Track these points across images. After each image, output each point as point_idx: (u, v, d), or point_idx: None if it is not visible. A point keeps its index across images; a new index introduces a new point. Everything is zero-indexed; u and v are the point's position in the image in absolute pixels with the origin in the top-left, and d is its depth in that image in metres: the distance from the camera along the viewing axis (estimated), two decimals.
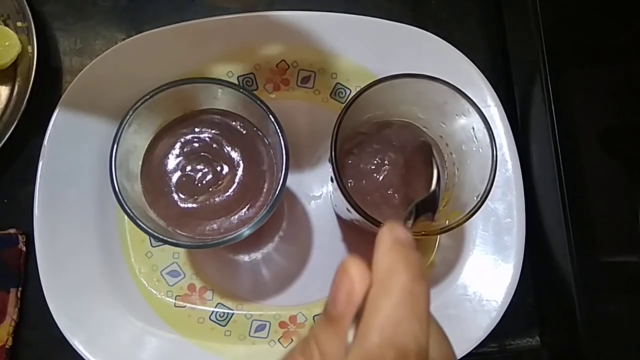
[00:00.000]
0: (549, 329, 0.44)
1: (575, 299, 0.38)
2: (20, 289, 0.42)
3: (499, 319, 0.40)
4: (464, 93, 0.32)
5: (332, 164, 0.32)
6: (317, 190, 0.43)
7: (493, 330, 0.40)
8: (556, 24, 0.41)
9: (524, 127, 0.44)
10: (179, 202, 0.35)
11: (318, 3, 0.45)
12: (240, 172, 0.36)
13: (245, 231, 0.32)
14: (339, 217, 0.42)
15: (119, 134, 0.32)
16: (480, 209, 0.31)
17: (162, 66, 0.41)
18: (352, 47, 0.43)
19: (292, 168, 0.33)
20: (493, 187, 0.31)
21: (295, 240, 0.43)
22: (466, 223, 0.31)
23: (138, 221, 0.32)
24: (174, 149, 0.36)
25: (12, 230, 0.42)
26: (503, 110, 0.42)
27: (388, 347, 0.18)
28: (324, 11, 0.42)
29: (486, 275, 0.41)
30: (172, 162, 0.36)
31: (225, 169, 0.36)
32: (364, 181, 0.36)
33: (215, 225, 0.35)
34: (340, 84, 0.44)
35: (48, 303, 0.39)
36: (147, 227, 0.32)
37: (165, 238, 0.32)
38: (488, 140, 0.31)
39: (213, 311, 0.41)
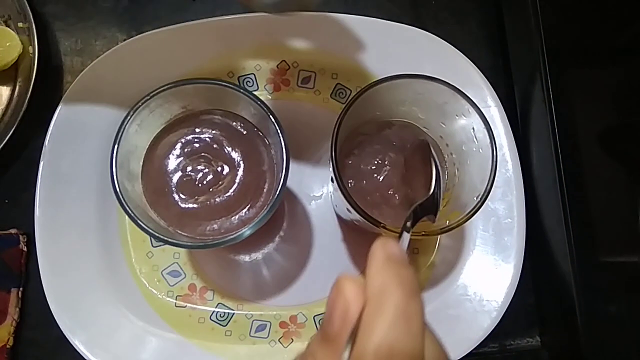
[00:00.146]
0: (549, 329, 0.44)
1: (575, 299, 0.38)
2: (21, 289, 0.42)
3: (499, 319, 0.40)
4: (464, 93, 0.32)
5: (333, 164, 0.32)
6: (318, 191, 0.43)
7: (493, 331, 0.40)
8: (556, 24, 0.41)
9: (524, 127, 0.44)
10: (179, 203, 0.35)
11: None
12: (240, 172, 0.36)
13: (246, 231, 0.32)
14: (339, 217, 0.43)
15: (120, 134, 0.32)
16: (481, 209, 0.31)
17: (162, 66, 0.41)
18: (353, 47, 0.43)
19: (292, 168, 0.33)
20: (493, 187, 0.31)
21: (295, 240, 0.43)
22: (466, 223, 0.31)
23: (139, 221, 0.32)
24: (175, 149, 0.36)
25: (13, 231, 0.42)
26: (503, 111, 0.42)
27: None
28: (324, 12, 0.42)
29: (486, 276, 0.41)
30: (172, 162, 0.36)
31: (226, 169, 0.36)
32: (365, 181, 0.36)
33: (215, 226, 0.35)
34: (341, 85, 0.44)
35: (49, 303, 0.39)
36: (147, 227, 0.32)
37: (165, 238, 0.32)
38: (488, 140, 0.31)
39: (213, 311, 0.41)
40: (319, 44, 0.43)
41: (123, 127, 0.32)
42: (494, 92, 0.42)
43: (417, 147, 0.35)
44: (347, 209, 0.32)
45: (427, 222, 0.31)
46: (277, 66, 0.44)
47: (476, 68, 0.42)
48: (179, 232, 0.35)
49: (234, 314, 0.41)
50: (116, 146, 0.32)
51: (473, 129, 0.32)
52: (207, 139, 0.36)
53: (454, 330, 0.40)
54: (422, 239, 0.42)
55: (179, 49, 0.42)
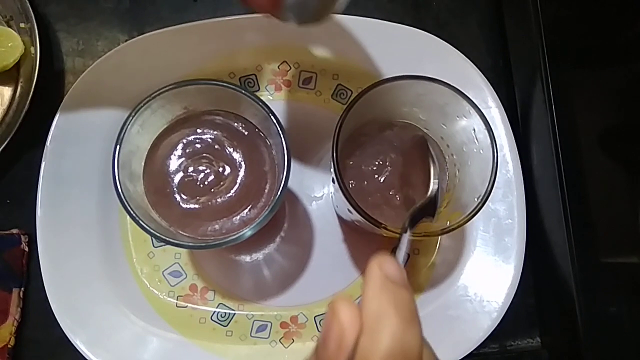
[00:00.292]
0: (549, 330, 0.44)
1: (575, 299, 0.38)
2: (22, 289, 0.42)
3: (499, 319, 0.40)
4: (464, 94, 0.32)
5: (334, 165, 0.32)
6: (318, 191, 0.43)
7: (494, 331, 0.40)
8: (557, 24, 0.41)
9: (525, 128, 0.44)
10: (181, 203, 0.35)
11: None
12: (242, 173, 0.36)
13: (247, 232, 0.32)
14: (340, 218, 0.43)
15: (122, 134, 0.32)
16: (481, 210, 0.31)
17: (164, 67, 0.41)
18: (354, 48, 0.43)
19: (293, 169, 0.33)
20: (494, 188, 0.31)
21: (296, 240, 0.43)
22: (467, 224, 0.31)
23: (140, 222, 0.32)
24: (176, 149, 0.36)
25: (14, 231, 0.42)
26: (504, 112, 0.42)
27: None
28: None
29: (487, 276, 0.41)
30: (174, 163, 0.36)
31: (227, 169, 0.36)
32: (365, 182, 0.36)
33: (217, 226, 0.35)
34: (342, 85, 0.44)
35: (50, 303, 0.39)
36: (149, 227, 0.32)
37: (167, 238, 0.32)
38: (489, 141, 0.31)
39: (214, 311, 0.41)
40: (320, 44, 0.43)
41: (125, 127, 0.32)
42: (495, 93, 0.42)
43: (415, 144, 0.35)
44: (348, 210, 0.32)
45: (427, 222, 0.31)
46: (278, 67, 0.44)
47: (477, 69, 0.42)
48: (180, 232, 0.35)
49: (234, 314, 0.41)
50: (118, 147, 0.32)
51: (474, 129, 0.32)
52: (209, 140, 0.36)
53: (454, 330, 0.40)
54: (422, 240, 0.42)
55: (180, 49, 0.42)
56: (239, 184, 0.36)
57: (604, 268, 0.39)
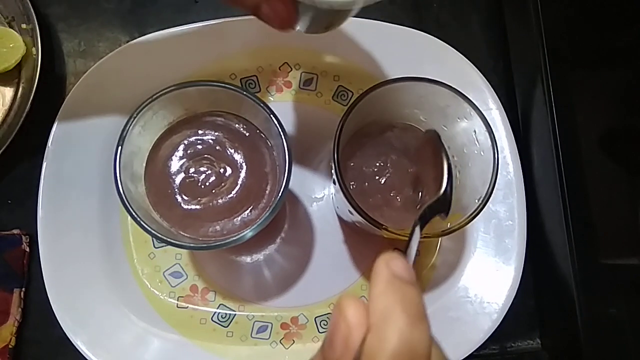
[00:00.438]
0: (549, 332, 0.44)
1: (575, 301, 0.38)
2: (23, 289, 0.42)
3: (499, 321, 0.40)
4: (465, 96, 0.32)
5: (335, 167, 0.32)
6: (319, 192, 0.43)
7: (494, 333, 0.40)
8: (557, 26, 0.41)
9: (525, 129, 0.44)
10: (182, 204, 0.35)
11: None
12: (243, 174, 0.36)
13: (248, 233, 0.32)
14: (340, 219, 0.43)
15: (123, 135, 0.32)
16: (482, 211, 0.31)
17: (165, 68, 0.41)
18: (354, 49, 0.43)
19: (294, 170, 0.33)
20: (494, 189, 0.31)
21: (296, 241, 0.43)
22: (467, 225, 0.32)
23: (142, 222, 0.32)
24: (178, 150, 0.36)
25: (15, 231, 0.42)
26: (504, 113, 0.42)
27: None
28: None
29: (487, 278, 0.41)
30: (175, 163, 0.36)
31: (228, 170, 0.36)
32: (366, 183, 0.36)
33: (218, 227, 0.35)
34: (343, 87, 0.44)
35: (51, 303, 0.39)
36: (150, 228, 0.32)
37: (168, 239, 0.32)
38: (489, 143, 0.32)
39: (215, 312, 0.41)
40: (321, 46, 0.43)
41: (126, 128, 0.32)
42: (495, 95, 0.42)
43: (427, 140, 0.34)
44: (349, 211, 0.32)
45: (439, 219, 0.30)
46: (279, 68, 0.44)
47: (477, 71, 0.42)
48: (181, 233, 0.35)
49: (235, 315, 0.42)
50: (120, 147, 0.32)
51: (474, 131, 0.33)
52: (210, 141, 0.36)
53: (455, 332, 0.40)
54: (423, 241, 0.42)
55: (182, 50, 0.42)
56: (240, 185, 0.36)
57: (604, 269, 0.39)
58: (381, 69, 0.43)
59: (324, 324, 0.41)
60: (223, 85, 0.33)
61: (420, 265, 0.42)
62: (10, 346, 0.41)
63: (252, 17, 0.42)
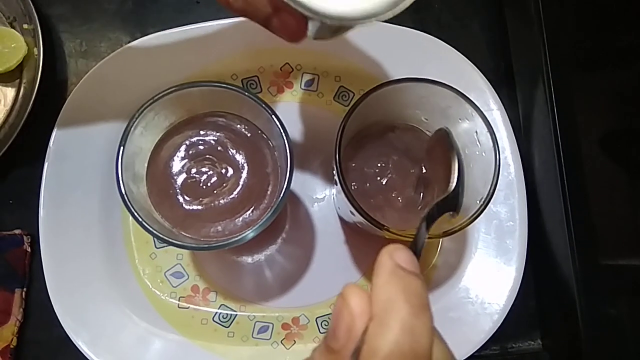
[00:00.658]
0: (550, 332, 0.44)
1: (577, 301, 0.38)
2: (24, 289, 0.42)
3: (500, 321, 0.40)
4: (467, 97, 0.32)
5: (336, 167, 0.32)
6: (320, 193, 0.43)
7: (495, 333, 0.40)
8: (559, 27, 0.41)
9: (527, 130, 0.44)
10: (183, 204, 0.35)
11: None
12: (244, 174, 0.36)
13: (249, 233, 0.32)
14: (341, 220, 0.43)
15: (125, 136, 0.32)
16: (483, 212, 0.31)
17: (167, 69, 0.41)
18: (356, 50, 0.43)
19: (295, 170, 0.33)
20: (495, 190, 0.31)
21: (298, 242, 0.43)
22: (468, 226, 0.32)
23: (143, 223, 0.32)
24: (179, 151, 0.36)
25: (17, 231, 0.42)
26: (506, 114, 0.42)
27: None
28: None
29: (488, 278, 0.41)
30: (177, 164, 0.36)
31: (230, 171, 0.36)
32: (368, 184, 0.36)
33: (219, 227, 0.35)
34: (344, 87, 0.44)
35: (52, 303, 0.39)
36: (152, 228, 0.32)
37: (169, 240, 0.32)
38: (491, 144, 0.32)
39: (216, 312, 0.42)
40: (322, 46, 0.43)
41: (128, 129, 0.32)
42: (497, 96, 0.42)
43: (438, 138, 0.33)
44: (350, 212, 0.32)
45: (448, 217, 0.30)
46: (280, 69, 0.44)
47: (479, 71, 0.43)
48: (183, 233, 0.35)
49: (236, 315, 0.42)
50: (122, 148, 0.32)
51: (476, 132, 0.33)
52: (212, 141, 0.36)
53: (456, 332, 0.40)
54: (424, 242, 0.42)
55: (183, 51, 0.42)
56: (242, 186, 0.36)
57: (605, 270, 0.39)
58: (382, 70, 0.43)
59: (325, 325, 0.41)
60: (225, 85, 0.33)
61: (421, 265, 0.42)
62: (11, 346, 0.41)
63: None
